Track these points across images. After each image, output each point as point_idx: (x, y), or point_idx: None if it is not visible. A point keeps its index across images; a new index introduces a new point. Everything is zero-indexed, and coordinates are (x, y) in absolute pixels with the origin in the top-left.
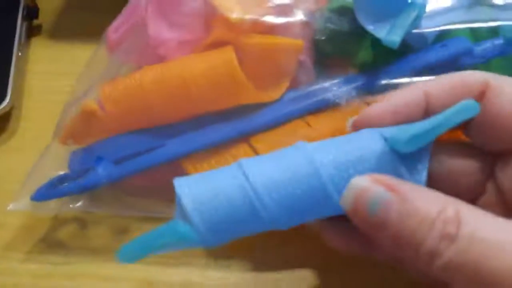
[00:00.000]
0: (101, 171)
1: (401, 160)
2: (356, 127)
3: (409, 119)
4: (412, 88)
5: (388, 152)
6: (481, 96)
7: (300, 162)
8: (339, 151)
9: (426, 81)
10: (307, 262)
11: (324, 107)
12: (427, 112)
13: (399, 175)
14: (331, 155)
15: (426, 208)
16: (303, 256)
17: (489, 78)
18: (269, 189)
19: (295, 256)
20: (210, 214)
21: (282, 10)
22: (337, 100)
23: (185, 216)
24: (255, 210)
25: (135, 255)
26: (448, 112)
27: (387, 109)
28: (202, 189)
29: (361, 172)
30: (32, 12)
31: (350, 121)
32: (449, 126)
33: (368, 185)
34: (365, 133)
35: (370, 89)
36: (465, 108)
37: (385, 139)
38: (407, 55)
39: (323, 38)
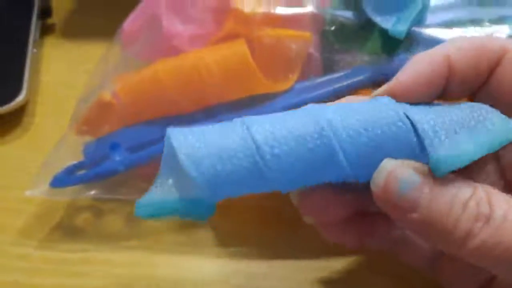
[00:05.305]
0: (117, 158)
1: (419, 142)
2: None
3: (432, 89)
4: (434, 56)
5: (407, 131)
6: (498, 61)
7: (308, 121)
8: (354, 117)
9: (447, 46)
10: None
11: (333, 97)
12: (448, 79)
13: (415, 156)
14: (345, 120)
15: (458, 190)
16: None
17: (507, 44)
18: (271, 144)
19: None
20: (206, 166)
21: (293, 1)
22: (345, 91)
23: (174, 171)
24: (256, 165)
25: (149, 214)
26: (494, 133)
27: (412, 83)
28: (199, 140)
29: (374, 141)
30: (46, 12)
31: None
32: (492, 150)
33: (400, 166)
34: (386, 105)
35: (377, 81)
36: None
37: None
38: (413, 47)
39: (332, 29)
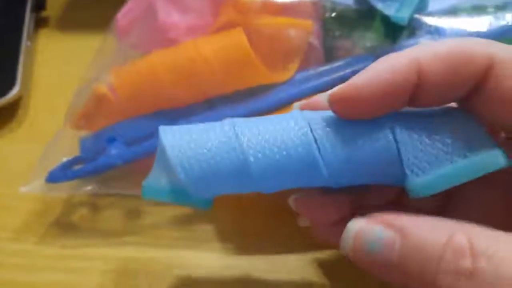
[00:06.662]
0: (114, 152)
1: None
2: (333, 104)
3: (396, 97)
4: (401, 59)
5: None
6: (485, 75)
7: (292, 127)
8: (339, 130)
9: (417, 50)
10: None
11: (334, 87)
12: (418, 88)
13: (394, 166)
14: (328, 129)
15: (431, 240)
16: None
17: (493, 53)
18: (255, 148)
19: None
20: (193, 166)
21: None
22: (346, 80)
23: (166, 165)
24: (240, 166)
25: (151, 197)
26: (473, 163)
27: (373, 88)
28: (188, 140)
29: (356, 156)
30: (40, 4)
31: (325, 95)
32: (471, 178)
33: (365, 226)
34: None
35: None
36: (492, 162)
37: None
38: (415, 36)
39: (332, 16)
